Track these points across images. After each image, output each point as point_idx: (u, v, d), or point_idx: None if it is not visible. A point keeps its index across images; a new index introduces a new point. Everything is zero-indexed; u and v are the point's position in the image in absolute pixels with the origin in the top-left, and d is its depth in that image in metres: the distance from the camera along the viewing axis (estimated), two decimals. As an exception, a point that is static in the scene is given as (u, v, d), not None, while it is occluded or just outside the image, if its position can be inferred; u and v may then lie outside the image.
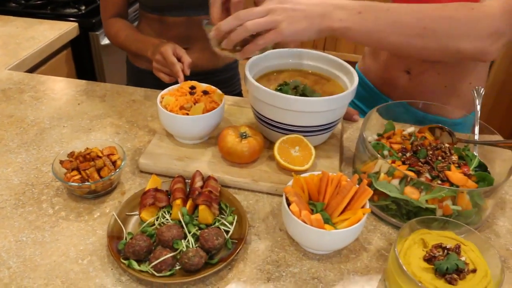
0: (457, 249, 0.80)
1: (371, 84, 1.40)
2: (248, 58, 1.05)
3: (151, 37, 1.43)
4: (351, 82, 1.10)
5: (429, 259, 0.79)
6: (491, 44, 0.90)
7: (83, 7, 2.24)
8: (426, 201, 0.90)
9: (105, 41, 2.16)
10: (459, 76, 1.21)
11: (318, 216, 0.82)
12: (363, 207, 0.86)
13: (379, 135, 1.10)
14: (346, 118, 1.30)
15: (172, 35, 1.49)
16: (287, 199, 0.87)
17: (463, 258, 0.79)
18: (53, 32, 1.94)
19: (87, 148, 1.04)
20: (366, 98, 1.42)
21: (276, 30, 0.89)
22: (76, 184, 0.96)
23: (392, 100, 1.32)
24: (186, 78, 1.21)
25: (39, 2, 2.26)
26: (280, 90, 1.08)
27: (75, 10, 2.22)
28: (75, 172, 0.99)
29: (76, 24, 2.06)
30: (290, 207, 0.84)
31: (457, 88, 1.22)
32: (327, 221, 0.85)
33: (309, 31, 0.90)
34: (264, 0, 0.93)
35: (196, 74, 1.37)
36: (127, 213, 0.94)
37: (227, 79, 1.70)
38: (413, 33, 0.90)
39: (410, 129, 1.10)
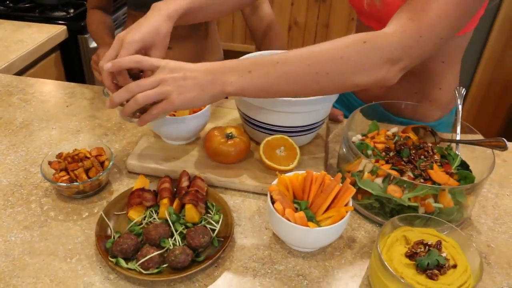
0: (438, 246, 0.82)
1: None
2: None
3: (107, 35, 1.49)
4: (335, 83, 1.11)
5: (411, 255, 0.81)
6: (388, 71, 0.88)
7: (72, 10, 2.24)
8: (409, 199, 0.91)
9: (93, 44, 2.17)
10: (429, 83, 1.22)
11: (301, 214, 0.84)
12: (346, 205, 0.88)
13: (363, 135, 1.11)
14: (332, 119, 1.32)
15: None
16: (271, 197, 0.88)
17: (444, 254, 0.80)
18: (41, 35, 1.94)
19: (76, 149, 1.05)
20: (343, 101, 1.43)
21: (167, 100, 0.87)
22: (65, 184, 0.97)
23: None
24: None
25: (27, 5, 2.25)
26: (266, 91, 1.10)
27: (64, 13, 2.22)
28: (63, 173, 1.00)
29: (64, 27, 2.06)
30: (275, 205, 0.86)
31: (428, 94, 1.23)
32: (311, 219, 0.86)
33: (200, 98, 0.88)
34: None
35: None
36: (115, 213, 0.95)
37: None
38: (307, 80, 0.89)
39: (394, 129, 1.12)
